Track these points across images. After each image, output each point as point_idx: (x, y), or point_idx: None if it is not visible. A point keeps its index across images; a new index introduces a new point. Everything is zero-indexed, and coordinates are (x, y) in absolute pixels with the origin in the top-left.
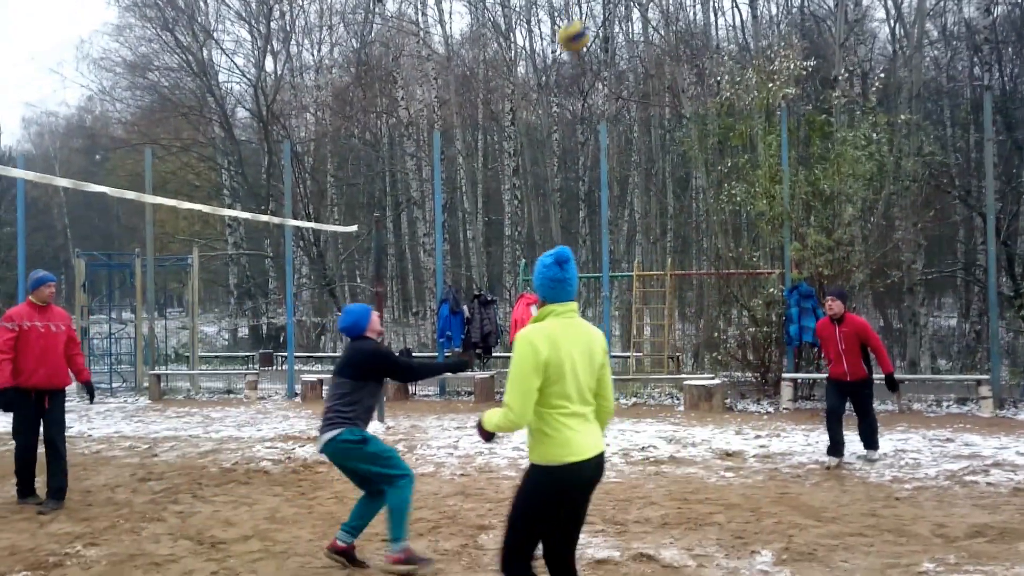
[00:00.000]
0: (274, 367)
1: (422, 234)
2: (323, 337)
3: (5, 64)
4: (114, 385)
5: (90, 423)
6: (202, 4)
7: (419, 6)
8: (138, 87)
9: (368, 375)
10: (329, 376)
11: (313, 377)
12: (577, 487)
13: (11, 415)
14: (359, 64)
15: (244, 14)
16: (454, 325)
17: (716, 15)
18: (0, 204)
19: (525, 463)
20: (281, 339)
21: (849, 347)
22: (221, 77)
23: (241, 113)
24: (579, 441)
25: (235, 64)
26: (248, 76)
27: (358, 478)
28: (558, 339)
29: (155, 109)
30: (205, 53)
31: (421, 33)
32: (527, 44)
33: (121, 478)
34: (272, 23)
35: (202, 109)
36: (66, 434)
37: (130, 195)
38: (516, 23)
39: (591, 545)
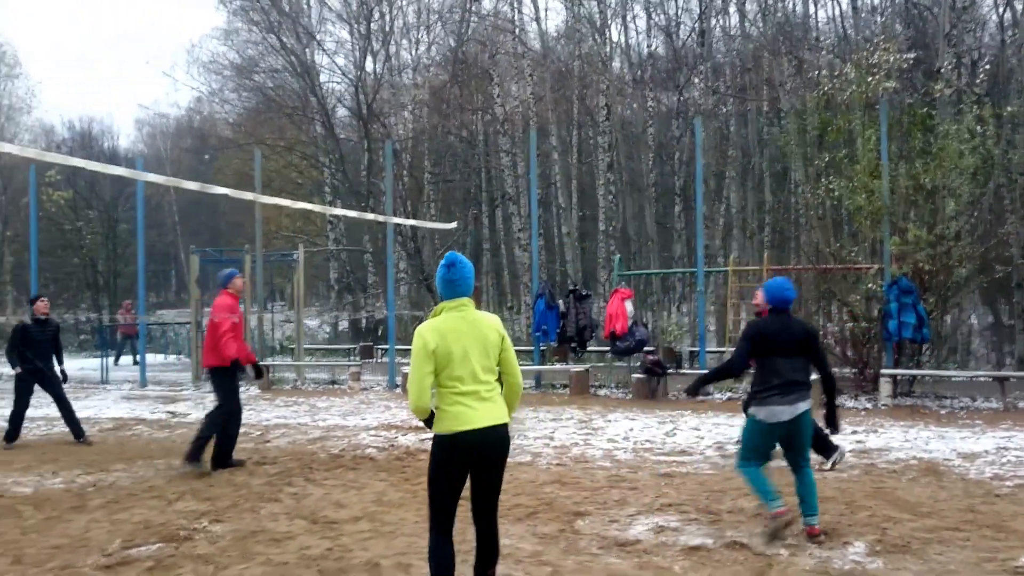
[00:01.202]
0: (374, 359)
1: (517, 229)
2: None
3: (123, 69)
4: None
5: (205, 411)
6: (305, 7)
7: (515, 4)
8: (244, 88)
9: None
10: None
11: None
12: (467, 452)
13: (223, 390)
14: (456, 62)
15: (345, 15)
16: (550, 320)
17: (815, 6)
18: (118, 203)
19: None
20: (379, 332)
21: None
22: (323, 77)
23: (341, 112)
24: (469, 415)
25: (336, 64)
26: (349, 76)
27: None
28: (446, 331)
29: (260, 110)
30: (308, 54)
31: (517, 30)
32: (622, 39)
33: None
34: (372, 24)
35: (305, 109)
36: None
37: (248, 196)
38: (612, 18)
39: (684, 532)
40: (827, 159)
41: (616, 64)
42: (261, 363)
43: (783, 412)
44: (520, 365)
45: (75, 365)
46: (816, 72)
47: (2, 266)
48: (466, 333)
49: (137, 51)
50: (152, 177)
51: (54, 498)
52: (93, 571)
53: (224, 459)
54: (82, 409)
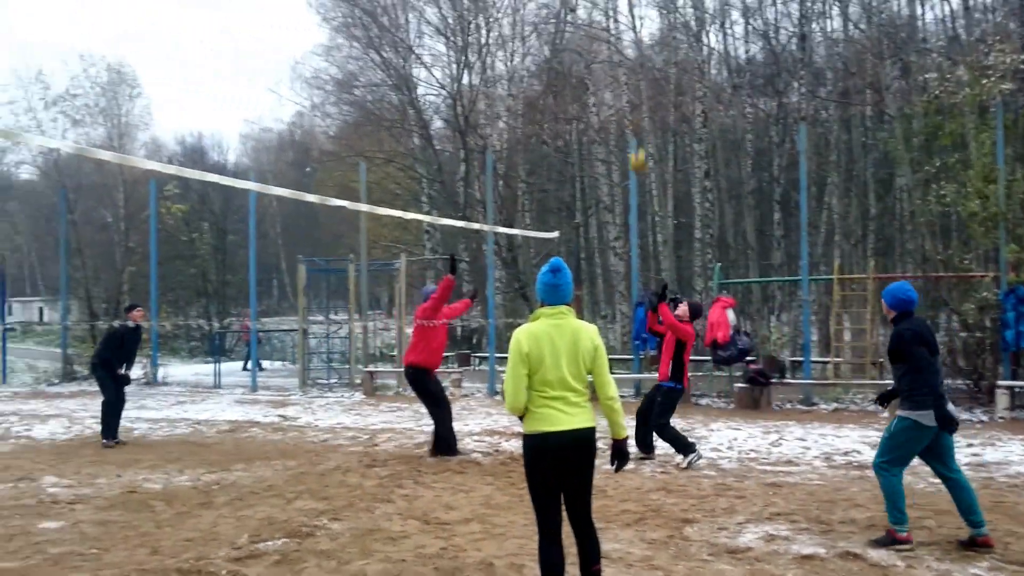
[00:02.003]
0: (471, 367)
1: (612, 238)
2: None
3: (232, 86)
4: (331, 381)
5: (314, 415)
6: (404, 22)
7: (610, 13)
8: (344, 102)
9: None
10: None
11: None
12: (553, 453)
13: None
14: (550, 72)
15: (442, 29)
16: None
17: (922, 7)
18: (226, 215)
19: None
20: (474, 340)
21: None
22: (420, 90)
23: (438, 124)
24: (556, 417)
25: (434, 77)
26: (446, 88)
27: None
28: (540, 336)
29: (360, 123)
30: (406, 68)
31: (612, 39)
32: (720, 45)
33: (350, 463)
34: (468, 36)
35: (403, 121)
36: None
37: (363, 208)
38: (708, 24)
39: (795, 541)
40: (937, 164)
41: (713, 70)
42: (365, 369)
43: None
44: (618, 374)
45: (189, 370)
46: (924, 75)
47: (123, 275)
48: (559, 340)
49: (138, 51)
50: (277, 191)
51: (182, 494)
52: (225, 563)
53: (447, 448)
54: (199, 412)
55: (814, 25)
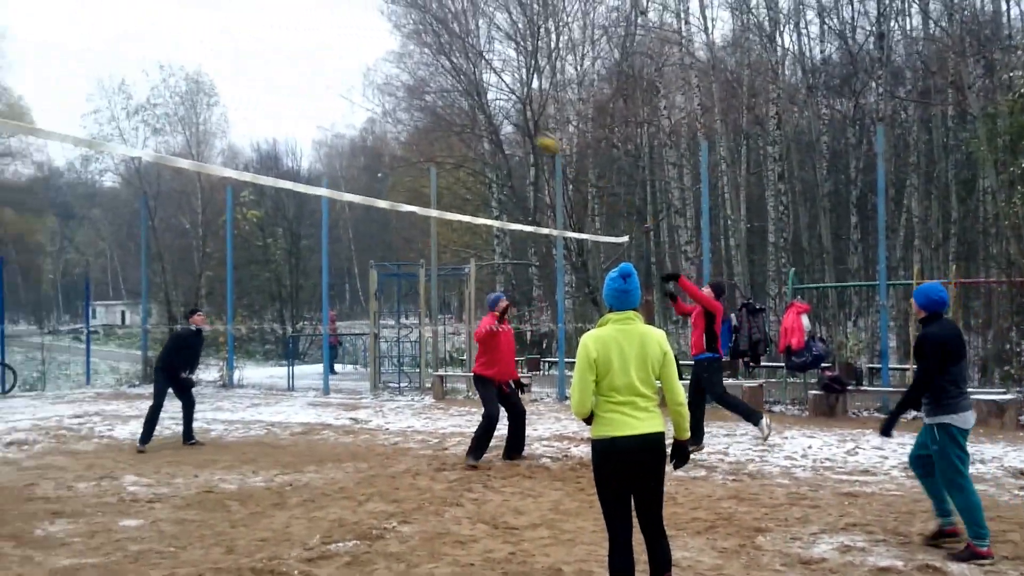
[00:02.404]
0: (540, 371)
1: (683, 242)
2: None
3: (307, 94)
4: (401, 384)
5: (385, 418)
6: (474, 28)
7: (681, 15)
8: (415, 108)
9: None
10: None
11: None
12: (621, 458)
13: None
14: (620, 75)
15: (512, 34)
16: (722, 334)
17: (1007, 3)
18: (300, 220)
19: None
20: (544, 344)
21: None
22: (490, 95)
23: (507, 128)
24: (623, 422)
25: (503, 82)
26: (515, 93)
27: None
28: (609, 341)
29: (430, 128)
30: (476, 73)
31: (683, 41)
32: (794, 45)
33: (420, 467)
34: (538, 41)
35: (473, 126)
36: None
37: (434, 213)
38: (782, 25)
39: (872, 552)
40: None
41: (787, 71)
42: (435, 373)
43: (970, 418)
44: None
45: (263, 373)
46: (1009, 73)
47: (200, 280)
48: (628, 345)
49: (136, 51)
50: (349, 197)
51: (257, 495)
52: (297, 563)
53: (511, 451)
54: (273, 414)
55: (892, 23)
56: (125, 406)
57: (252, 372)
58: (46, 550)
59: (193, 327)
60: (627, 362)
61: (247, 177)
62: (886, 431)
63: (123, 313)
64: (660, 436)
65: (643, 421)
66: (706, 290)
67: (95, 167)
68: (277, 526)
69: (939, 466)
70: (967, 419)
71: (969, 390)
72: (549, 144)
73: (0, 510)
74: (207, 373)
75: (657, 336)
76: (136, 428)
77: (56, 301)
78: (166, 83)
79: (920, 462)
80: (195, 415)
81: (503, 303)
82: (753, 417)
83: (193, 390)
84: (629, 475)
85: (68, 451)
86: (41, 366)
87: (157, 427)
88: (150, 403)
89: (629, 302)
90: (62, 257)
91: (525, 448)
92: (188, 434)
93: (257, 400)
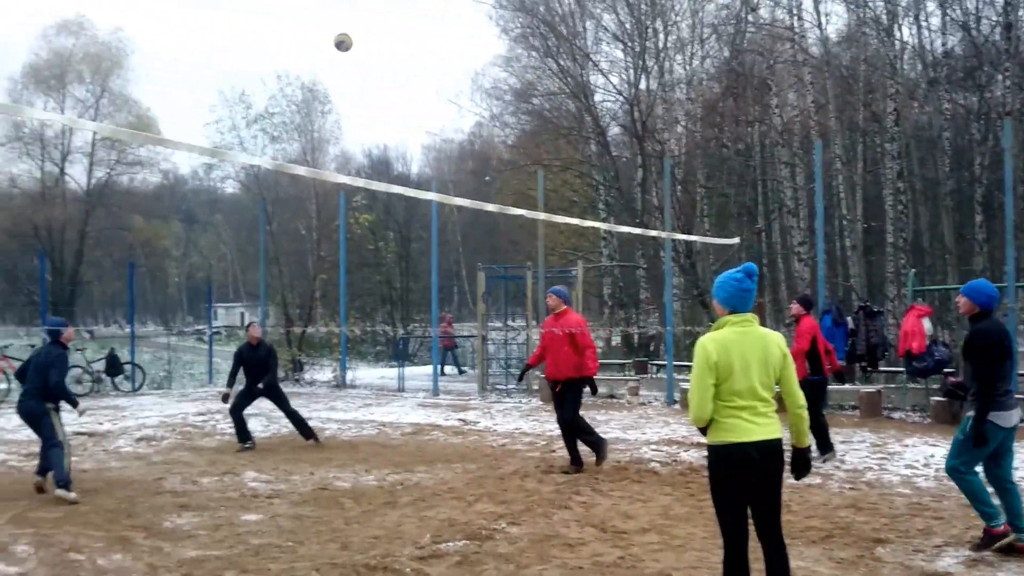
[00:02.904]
0: (648, 375)
1: (796, 243)
2: (695, 346)
3: (415, 100)
4: (509, 386)
5: (493, 420)
6: (581, 29)
7: (794, 10)
8: (522, 112)
9: None
10: None
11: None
12: (739, 465)
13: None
14: (730, 74)
15: (620, 35)
16: (837, 337)
17: None
18: (410, 224)
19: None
20: (651, 347)
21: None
22: (597, 97)
23: (614, 130)
24: (743, 427)
25: (611, 83)
26: (623, 94)
27: None
28: (729, 344)
29: (537, 131)
30: (583, 75)
31: (796, 37)
32: (914, 39)
33: (528, 469)
34: (646, 41)
35: (580, 129)
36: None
37: (542, 216)
38: (901, 18)
39: (1001, 568)
40: None
41: (906, 65)
42: (541, 375)
43: (1014, 417)
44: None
45: (374, 374)
46: None
47: (315, 283)
48: (748, 348)
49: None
50: (458, 201)
51: (369, 493)
52: (409, 561)
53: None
54: (384, 414)
55: (1021, 12)
56: None
57: (364, 373)
58: (174, 541)
59: (253, 342)
60: (748, 365)
61: (361, 183)
62: (980, 441)
63: (242, 315)
64: (779, 443)
65: (763, 427)
66: (794, 307)
67: (217, 174)
68: (389, 524)
69: (952, 450)
70: (1009, 418)
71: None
72: (344, 40)
73: (132, 502)
74: (321, 373)
75: (776, 339)
76: (255, 426)
77: (180, 303)
78: (283, 92)
79: (991, 478)
80: (306, 414)
81: (550, 299)
82: (827, 448)
83: (291, 389)
84: (749, 482)
85: (193, 447)
86: (167, 365)
87: (276, 425)
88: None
89: (747, 303)
90: (186, 261)
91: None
92: (306, 432)
93: (369, 400)
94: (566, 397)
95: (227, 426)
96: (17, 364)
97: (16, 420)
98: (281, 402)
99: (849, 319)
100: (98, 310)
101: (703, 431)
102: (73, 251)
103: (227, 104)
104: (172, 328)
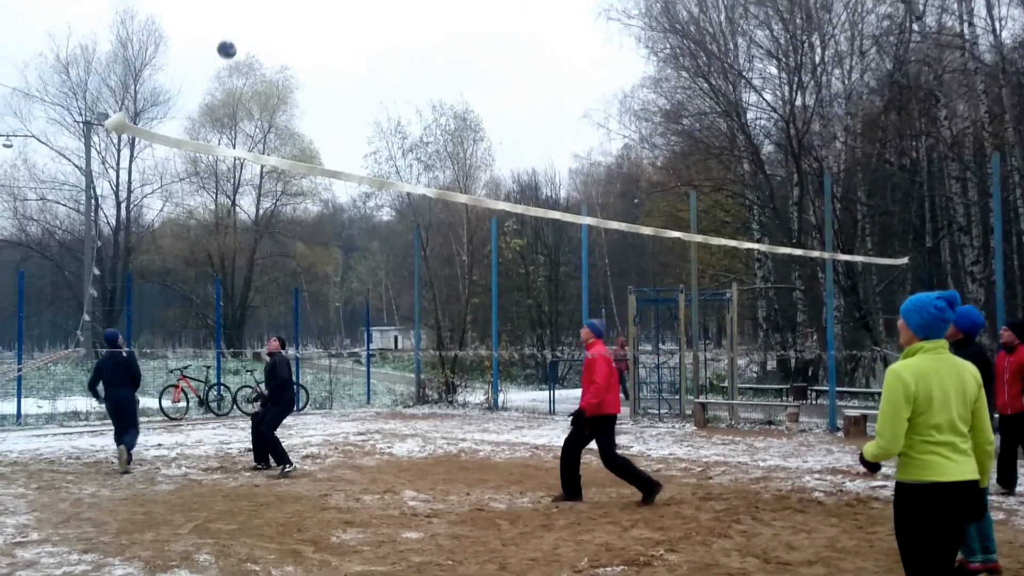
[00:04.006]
0: (807, 400)
1: (969, 262)
2: (857, 371)
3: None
4: (661, 411)
5: (645, 444)
6: (732, 47)
7: (964, 16)
8: (672, 133)
9: None
10: (871, 411)
11: (856, 412)
12: (941, 507)
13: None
14: (893, 86)
15: (774, 51)
16: None
17: None
18: (559, 247)
19: None
20: (810, 372)
21: (1012, 378)
22: (750, 115)
23: (768, 148)
24: (944, 464)
25: (764, 100)
26: (777, 111)
27: None
28: (927, 373)
29: (687, 152)
30: (735, 94)
31: (966, 44)
32: None
33: (683, 495)
34: (802, 56)
35: (732, 148)
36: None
37: (698, 238)
38: None
39: None
40: None
41: None
42: (696, 400)
43: None
44: None
45: (525, 396)
46: None
47: (467, 307)
48: (947, 377)
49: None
50: (612, 224)
51: (525, 515)
52: None
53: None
54: (536, 437)
55: None
56: (402, 425)
57: (515, 395)
58: (340, 556)
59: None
60: (948, 397)
61: (518, 209)
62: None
63: (396, 338)
64: (978, 485)
65: (963, 465)
66: (1005, 334)
67: (373, 203)
68: (546, 547)
69: None
70: None
71: None
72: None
73: (301, 517)
74: (473, 396)
75: (971, 369)
76: (412, 447)
77: (339, 326)
78: (437, 122)
79: None
80: (461, 435)
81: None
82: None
83: (446, 411)
84: (948, 525)
85: (354, 465)
86: (328, 386)
87: (432, 446)
88: (441, 423)
89: (943, 331)
90: (345, 286)
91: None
92: (279, 459)
93: (520, 423)
94: (598, 439)
95: (386, 445)
96: (196, 385)
97: (195, 435)
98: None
99: None
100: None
101: (870, 466)
102: (243, 277)
103: (383, 136)
104: (331, 350)
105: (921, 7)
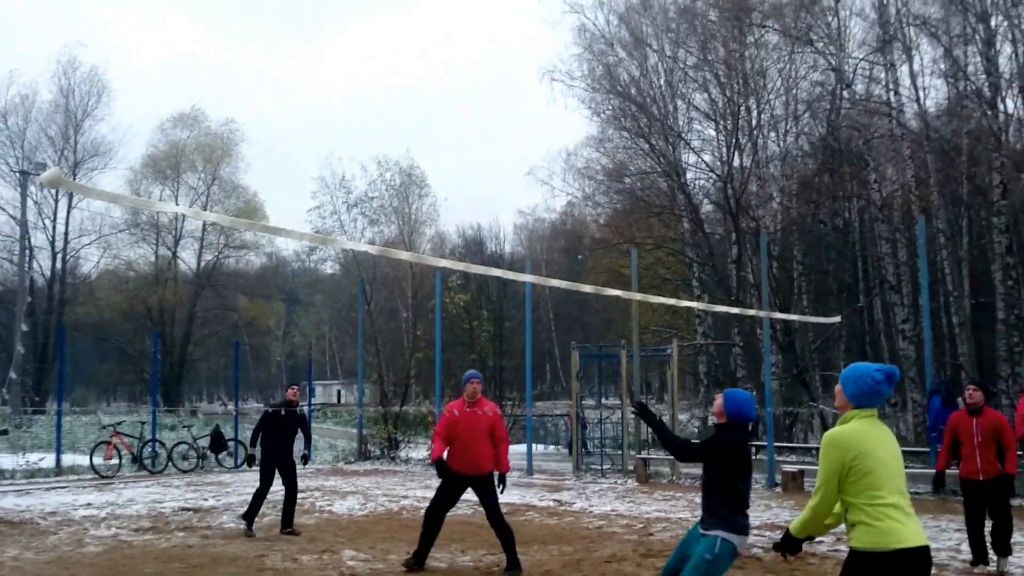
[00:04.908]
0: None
1: (900, 320)
2: (795, 427)
3: (505, 179)
4: (604, 467)
5: (588, 500)
6: (672, 109)
7: (890, 85)
8: (615, 191)
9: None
10: (810, 467)
11: (794, 467)
12: (894, 572)
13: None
14: (826, 149)
15: (712, 114)
16: (948, 419)
17: None
18: (503, 302)
19: None
20: (749, 427)
21: (985, 441)
22: (689, 175)
23: (707, 207)
24: (900, 530)
25: (703, 161)
26: (716, 172)
27: None
28: (864, 438)
29: (629, 210)
30: (675, 154)
31: (893, 112)
32: (1019, 111)
33: (625, 552)
34: (739, 119)
35: (673, 207)
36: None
37: (637, 296)
38: (1005, 90)
39: None
40: None
41: (1012, 137)
42: (637, 455)
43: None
44: (912, 468)
45: None
46: None
47: (411, 362)
48: (882, 442)
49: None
50: (554, 282)
51: (465, 574)
52: None
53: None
54: None
55: None
56: (343, 482)
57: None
58: None
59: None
60: (889, 459)
61: (460, 267)
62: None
63: (339, 392)
64: (929, 547)
65: (916, 528)
66: (976, 394)
67: (317, 256)
68: None
69: (701, 566)
70: (744, 542)
71: None
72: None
73: None
74: (416, 451)
75: (892, 435)
76: (353, 504)
77: (281, 381)
78: (382, 177)
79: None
80: (403, 492)
81: (471, 385)
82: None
83: (388, 467)
84: None
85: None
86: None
87: (374, 503)
88: (391, 479)
89: (877, 402)
90: (288, 340)
91: None
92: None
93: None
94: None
95: (326, 503)
96: (130, 441)
97: (127, 494)
98: (293, 481)
99: (960, 400)
100: (204, 387)
101: (789, 543)
102: (182, 330)
103: (327, 190)
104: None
105: (850, 75)
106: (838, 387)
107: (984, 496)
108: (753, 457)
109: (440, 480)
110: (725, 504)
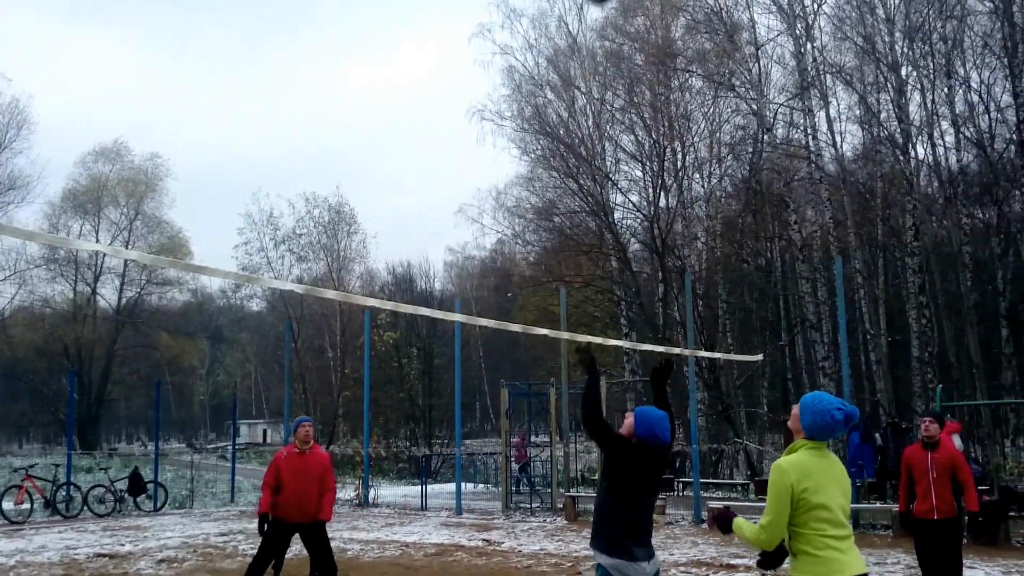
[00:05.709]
0: (673, 492)
1: (820, 358)
2: (721, 463)
3: (435, 216)
4: (533, 505)
5: (518, 539)
6: (600, 150)
7: (808, 130)
8: (544, 229)
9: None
10: (735, 503)
11: (720, 503)
12: None
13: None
14: (748, 191)
15: (639, 156)
16: (866, 454)
17: None
18: (432, 340)
19: None
20: (676, 464)
21: (940, 477)
22: (617, 215)
23: (635, 247)
24: (842, 560)
25: (630, 201)
26: (642, 212)
27: None
28: (811, 469)
29: (558, 248)
30: (603, 194)
31: (812, 156)
32: (929, 156)
33: None
34: (664, 161)
35: (601, 245)
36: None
37: (565, 335)
38: (916, 136)
39: None
40: None
41: (923, 181)
42: (567, 494)
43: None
44: None
45: (397, 492)
46: None
47: (339, 400)
48: (828, 473)
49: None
50: (483, 321)
51: None
52: None
53: None
54: (407, 534)
55: None
56: None
57: (386, 491)
58: None
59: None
60: (832, 491)
61: (389, 306)
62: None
63: (264, 431)
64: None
65: (856, 559)
66: (932, 427)
67: (243, 293)
68: None
69: None
70: (643, 570)
71: None
72: None
73: None
74: (343, 492)
75: (842, 467)
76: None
77: (204, 420)
78: (310, 214)
79: None
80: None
81: (303, 428)
82: None
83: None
84: None
85: (214, 569)
86: (190, 484)
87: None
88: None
89: (827, 436)
90: (211, 378)
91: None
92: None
93: (391, 519)
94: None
95: (249, 547)
96: (43, 485)
97: (39, 540)
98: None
99: (877, 435)
100: (123, 427)
101: (768, 559)
102: (100, 369)
103: (255, 228)
104: (195, 445)
105: (771, 120)
106: (795, 410)
107: (937, 538)
108: (679, 494)
109: (265, 534)
110: (609, 522)
